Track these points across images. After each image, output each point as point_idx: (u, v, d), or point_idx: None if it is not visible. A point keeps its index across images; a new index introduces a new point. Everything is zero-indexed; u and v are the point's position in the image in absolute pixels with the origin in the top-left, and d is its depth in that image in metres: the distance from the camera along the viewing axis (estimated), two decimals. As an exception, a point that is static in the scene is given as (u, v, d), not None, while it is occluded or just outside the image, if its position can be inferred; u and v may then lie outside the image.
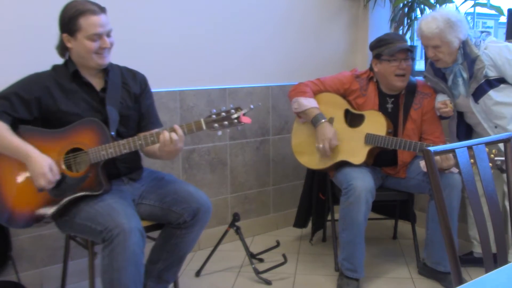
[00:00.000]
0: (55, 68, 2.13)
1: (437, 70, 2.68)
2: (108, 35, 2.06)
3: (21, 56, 2.43)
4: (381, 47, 2.69)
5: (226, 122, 1.97)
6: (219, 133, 2.00)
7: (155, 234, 2.30)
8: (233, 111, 1.97)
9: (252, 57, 3.24)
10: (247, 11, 3.18)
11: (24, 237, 2.54)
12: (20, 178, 2.01)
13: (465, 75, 2.54)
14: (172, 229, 2.17)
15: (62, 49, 2.10)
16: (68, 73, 2.09)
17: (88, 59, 2.05)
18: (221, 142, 3.17)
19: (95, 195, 2.01)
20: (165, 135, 1.97)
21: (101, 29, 2.01)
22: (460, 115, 2.72)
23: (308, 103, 2.77)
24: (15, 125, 2.02)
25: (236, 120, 1.97)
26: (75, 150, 2.03)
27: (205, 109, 3.05)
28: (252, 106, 2.00)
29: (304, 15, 3.43)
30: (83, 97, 2.09)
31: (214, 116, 1.98)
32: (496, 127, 2.53)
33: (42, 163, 1.94)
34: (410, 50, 2.68)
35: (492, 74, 2.48)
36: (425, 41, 2.56)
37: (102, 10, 2.04)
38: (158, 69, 2.82)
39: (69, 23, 2.00)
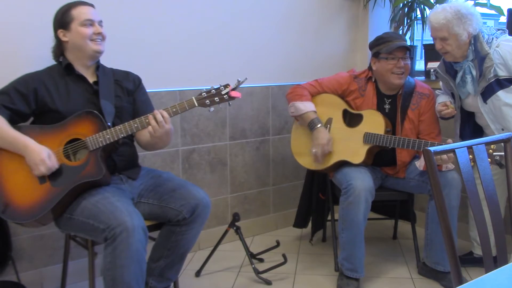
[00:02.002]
0: (49, 67, 2.22)
1: (449, 68, 2.62)
2: (100, 25, 2.18)
3: (16, 60, 2.43)
4: (379, 45, 2.69)
5: (216, 98, 2.07)
6: (211, 109, 2.08)
7: (155, 234, 2.30)
8: (222, 87, 2.07)
9: (252, 57, 3.23)
10: (247, 11, 3.18)
11: (24, 237, 2.54)
12: (21, 172, 2.03)
13: (474, 72, 2.47)
14: (172, 226, 2.18)
15: (58, 48, 2.19)
16: (61, 68, 2.18)
17: (85, 47, 2.13)
18: (221, 142, 3.17)
19: (96, 190, 2.04)
20: (152, 122, 2.05)
21: (92, 16, 2.15)
22: (468, 115, 2.66)
23: (304, 107, 2.77)
24: (14, 121, 2.06)
25: (226, 96, 2.06)
26: (74, 141, 2.07)
27: (205, 109, 3.03)
28: (239, 79, 2.08)
29: (304, 15, 3.43)
30: (77, 90, 2.16)
31: (204, 93, 2.08)
32: (503, 129, 2.46)
33: (41, 151, 1.99)
34: (408, 48, 2.68)
35: (503, 73, 2.40)
36: (433, 33, 2.50)
37: (91, 4, 2.20)
38: (158, 69, 2.82)
39: (62, 17, 2.14)
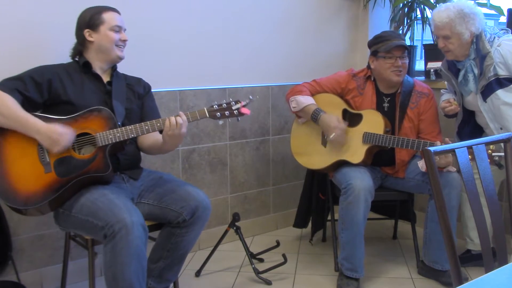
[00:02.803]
0: (65, 63, 2.26)
1: (451, 66, 2.63)
2: (124, 32, 2.28)
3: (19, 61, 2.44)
4: (377, 44, 2.70)
5: (227, 112, 2.14)
6: (221, 122, 2.15)
7: (155, 234, 2.30)
8: (233, 103, 2.15)
9: (252, 57, 3.24)
10: (247, 11, 3.18)
11: (24, 237, 2.54)
12: (28, 159, 2.04)
13: (476, 71, 2.49)
14: (172, 228, 2.18)
15: (81, 46, 2.24)
16: (78, 66, 2.24)
17: (110, 50, 2.22)
18: (221, 142, 3.17)
19: (95, 187, 2.05)
20: (171, 120, 2.09)
21: (120, 23, 2.26)
22: (469, 115, 2.67)
23: (305, 100, 2.78)
24: (25, 108, 2.06)
25: (236, 111, 2.13)
26: (83, 135, 2.09)
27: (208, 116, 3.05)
28: (251, 97, 2.18)
29: (304, 15, 3.43)
30: (91, 87, 2.21)
31: (216, 106, 2.15)
32: (501, 128, 2.47)
33: (54, 128, 2.01)
34: (406, 47, 2.68)
35: (503, 72, 2.41)
36: (436, 31, 2.52)
37: (119, 12, 2.29)
38: (158, 69, 2.82)
39: (91, 19, 2.21)
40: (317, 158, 2.83)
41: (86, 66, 2.22)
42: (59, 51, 2.34)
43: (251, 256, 2.83)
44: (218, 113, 2.13)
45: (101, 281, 2.00)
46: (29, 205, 2.01)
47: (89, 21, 2.20)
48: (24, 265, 2.54)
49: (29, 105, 2.09)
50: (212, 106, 2.14)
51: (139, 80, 2.40)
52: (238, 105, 2.13)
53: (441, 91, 2.82)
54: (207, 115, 2.13)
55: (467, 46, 2.48)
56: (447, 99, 2.64)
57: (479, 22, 2.45)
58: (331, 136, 2.69)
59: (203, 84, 3.06)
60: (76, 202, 2.04)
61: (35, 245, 2.58)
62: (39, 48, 2.47)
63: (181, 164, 3.03)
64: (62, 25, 2.43)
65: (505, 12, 2.98)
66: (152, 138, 2.28)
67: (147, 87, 2.41)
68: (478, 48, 2.46)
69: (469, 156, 1.42)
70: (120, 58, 2.26)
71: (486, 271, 1.33)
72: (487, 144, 1.50)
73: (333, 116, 2.71)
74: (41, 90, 2.11)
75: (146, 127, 2.10)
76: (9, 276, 2.44)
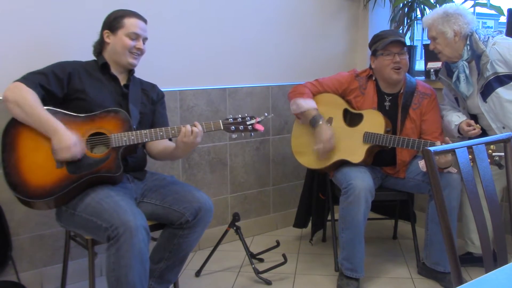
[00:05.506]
0: (85, 61, 2.28)
1: (449, 71, 2.66)
2: (143, 41, 2.27)
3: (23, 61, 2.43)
4: (376, 43, 2.73)
5: (241, 127, 2.20)
6: (234, 135, 2.20)
7: (155, 234, 2.30)
8: (248, 118, 2.21)
9: (252, 57, 3.24)
10: (247, 11, 3.18)
11: (24, 237, 2.54)
12: (40, 152, 2.04)
13: (467, 71, 2.51)
14: (174, 229, 2.18)
15: (99, 45, 2.28)
16: (97, 66, 2.26)
17: (121, 55, 2.23)
18: (221, 142, 3.17)
19: (101, 188, 2.06)
20: (187, 127, 2.12)
21: (140, 31, 2.25)
22: (475, 118, 2.66)
23: (306, 104, 2.78)
24: (45, 102, 2.07)
25: (250, 127, 2.18)
26: (98, 134, 2.11)
27: (205, 109, 3.06)
28: (266, 114, 2.24)
29: (304, 15, 3.43)
30: (108, 88, 2.23)
31: (231, 119, 2.21)
32: (504, 127, 2.48)
33: (70, 137, 2.01)
34: (404, 43, 2.69)
35: (502, 70, 2.43)
36: (427, 35, 2.61)
37: (144, 20, 2.29)
38: (158, 69, 2.82)
39: (113, 21, 2.23)
40: (317, 158, 2.83)
41: (104, 67, 2.24)
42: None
43: (251, 256, 2.83)
44: (233, 127, 2.18)
45: (101, 281, 2.00)
46: (37, 197, 2.01)
47: (111, 22, 2.23)
48: (24, 265, 2.54)
49: (49, 99, 2.10)
50: (228, 119, 2.18)
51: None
52: (253, 121, 2.18)
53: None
54: (222, 128, 2.18)
55: (456, 47, 2.52)
56: (466, 121, 2.54)
57: (464, 21, 2.49)
58: (315, 148, 2.73)
59: (203, 84, 3.06)
60: (81, 201, 2.04)
61: (35, 245, 2.58)
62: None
63: (181, 164, 3.03)
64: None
65: (505, 12, 2.98)
66: (162, 145, 2.31)
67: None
68: (472, 48, 2.49)
69: (469, 156, 1.42)
70: (132, 65, 2.26)
71: (486, 272, 1.33)
72: (487, 144, 1.50)
73: (329, 131, 2.71)
74: (62, 85, 2.13)
75: (161, 133, 2.13)
76: (9, 276, 2.44)
